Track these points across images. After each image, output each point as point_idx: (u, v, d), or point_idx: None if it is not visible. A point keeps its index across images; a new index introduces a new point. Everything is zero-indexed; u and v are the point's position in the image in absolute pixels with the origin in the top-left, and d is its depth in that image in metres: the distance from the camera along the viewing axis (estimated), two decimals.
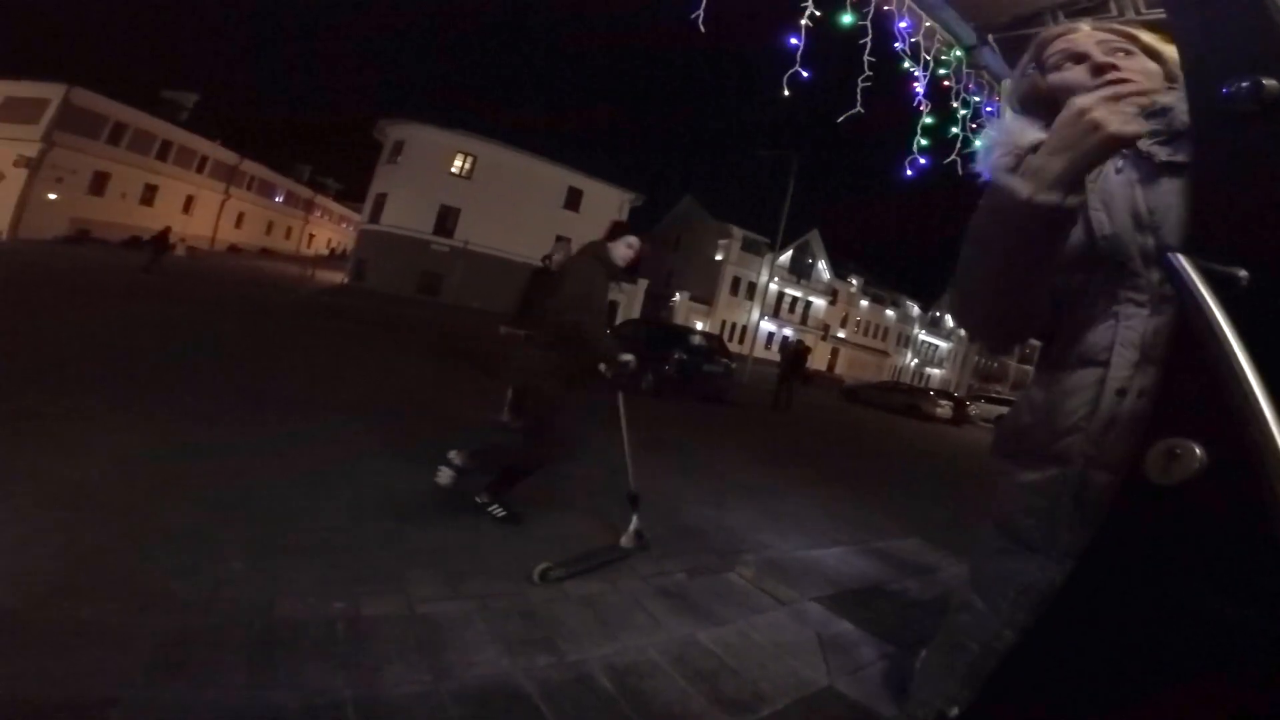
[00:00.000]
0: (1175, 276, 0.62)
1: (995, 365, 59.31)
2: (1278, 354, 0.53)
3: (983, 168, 1.19)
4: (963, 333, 1.15)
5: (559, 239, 5.67)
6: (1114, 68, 0.95)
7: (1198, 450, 0.58)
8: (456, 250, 29.08)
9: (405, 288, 27.85)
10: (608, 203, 33.23)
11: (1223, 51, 0.72)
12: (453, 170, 30.53)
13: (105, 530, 2.09)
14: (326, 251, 53.16)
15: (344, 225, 56.11)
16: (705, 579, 2.69)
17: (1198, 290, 0.59)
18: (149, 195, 32.67)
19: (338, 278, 30.83)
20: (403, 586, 2.11)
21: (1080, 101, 0.74)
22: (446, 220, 30.16)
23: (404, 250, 29.00)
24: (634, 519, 2.90)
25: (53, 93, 26.65)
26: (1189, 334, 0.60)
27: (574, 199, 32.50)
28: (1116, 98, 0.72)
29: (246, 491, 2.67)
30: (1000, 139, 1.11)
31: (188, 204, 35.50)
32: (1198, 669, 0.60)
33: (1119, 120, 0.69)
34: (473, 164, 30.61)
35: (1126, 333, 0.83)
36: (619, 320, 29.67)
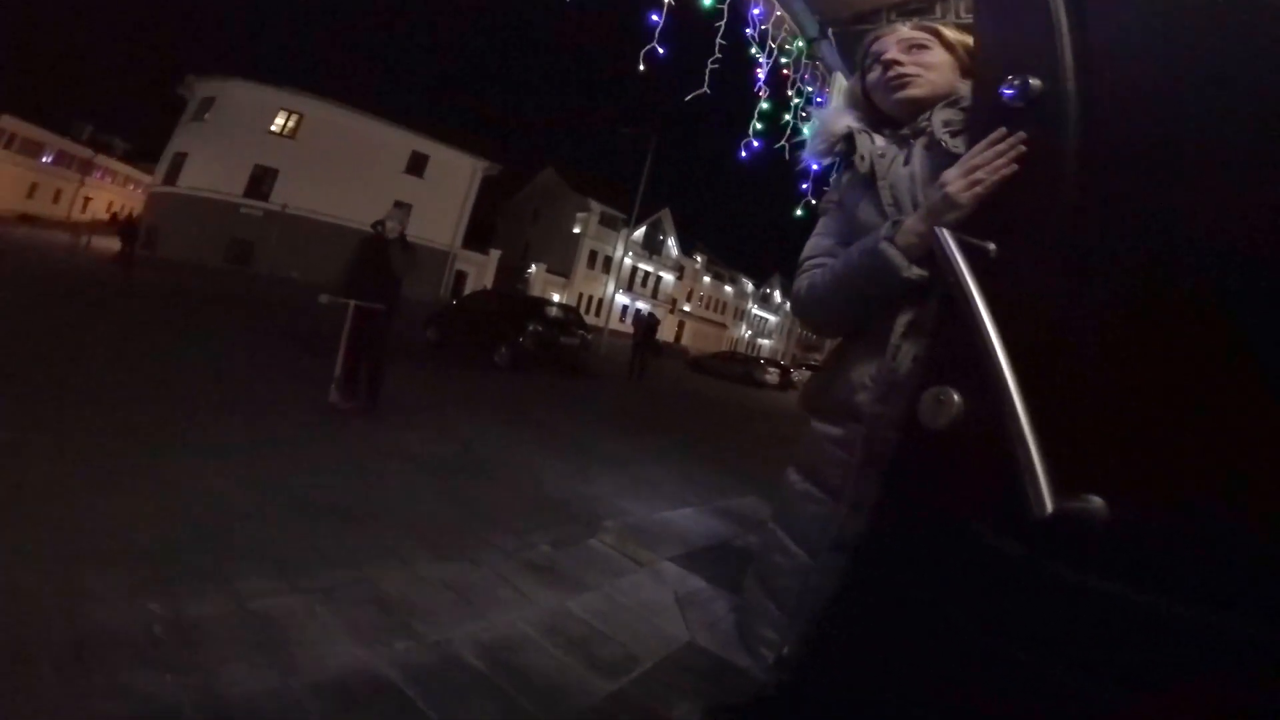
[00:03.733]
0: (939, 247, 0.74)
1: (814, 337, 66.27)
2: (1014, 311, 0.66)
3: (807, 155, 1.33)
4: (792, 314, 1.30)
5: (397, 204, 5.20)
6: (896, 63, 1.11)
7: (956, 396, 0.70)
8: (273, 214, 25.59)
9: (209, 256, 23.96)
10: (458, 170, 31.30)
11: (1004, 52, 0.84)
12: (272, 129, 26.84)
13: None
14: (106, 216, 44.94)
15: (131, 188, 48.19)
16: (570, 549, 2.76)
17: (954, 258, 0.71)
18: None
19: (119, 245, 25.52)
20: (228, 584, 1.88)
21: (946, 177, 0.87)
22: (262, 182, 26.48)
23: (207, 214, 25.01)
24: None
25: None
26: (945, 298, 0.73)
27: (418, 164, 30.11)
28: (971, 185, 0.83)
29: (23, 494, 2.20)
30: (819, 129, 1.25)
31: None
32: (973, 591, 0.71)
33: (967, 196, 0.84)
34: (298, 122, 27.17)
35: (903, 304, 0.96)
36: (467, 290, 28.39)
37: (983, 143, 0.83)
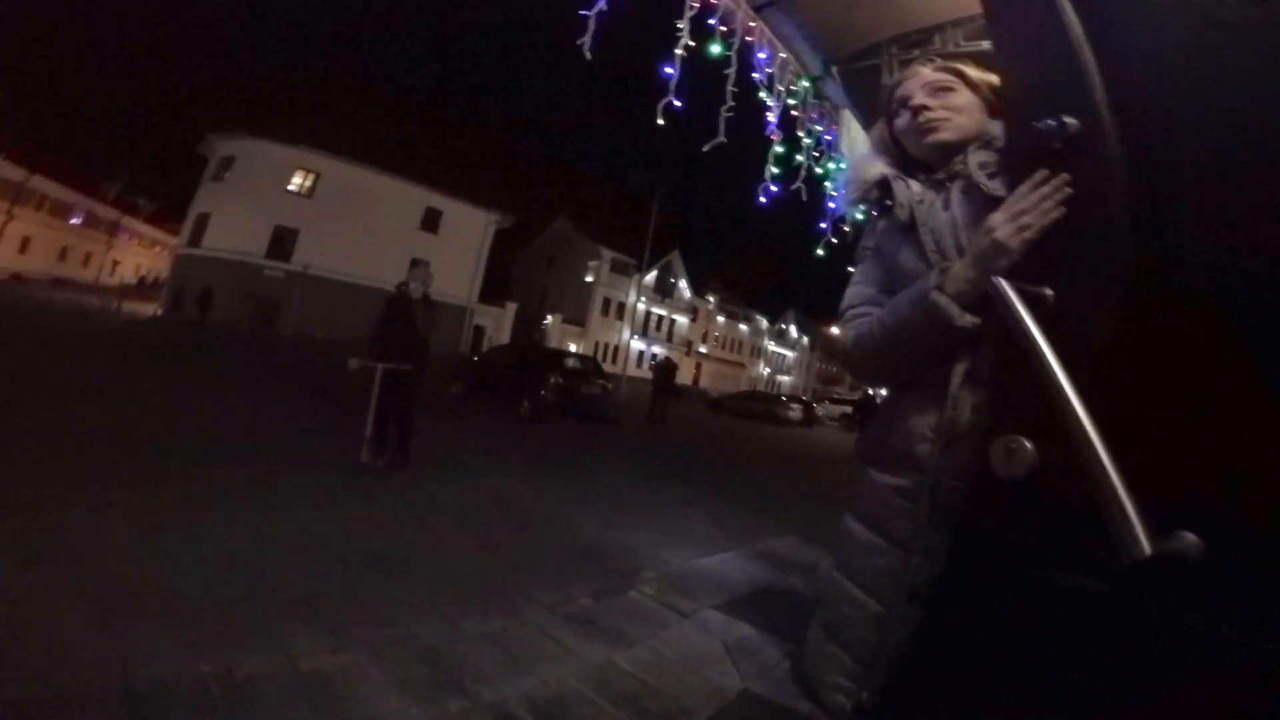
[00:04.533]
0: (997, 296, 0.74)
1: (834, 369, 65.85)
2: (1079, 357, 0.66)
3: (839, 203, 1.37)
4: (843, 366, 1.30)
5: (414, 262, 5.35)
6: (924, 108, 1.13)
7: (1029, 445, 0.70)
8: (294, 275, 26.28)
9: (235, 318, 24.60)
10: (471, 224, 32.07)
11: (1032, 91, 0.84)
12: (291, 188, 27.67)
13: None
14: (134, 280, 45.74)
15: (157, 250, 49.19)
16: (610, 601, 2.73)
17: (1015, 309, 0.71)
18: None
19: (150, 309, 26.45)
20: (278, 642, 1.90)
21: (992, 222, 0.87)
22: (283, 242, 27.20)
23: (231, 275, 25.58)
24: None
25: None
26: (1011, 347, 0.72)
27: (432, 220, 30.91)
28: (1020, 230, 0.83)
29: (77, 548, 2.27)
30: (851, 176, 1.27)
31: None
32: (1054, 636, 0.70)
33: (1017, 241, 0.84)
34: (315, 181, 28.00)
35: (957, 352, 0.96)
36: (485, 344, 28.71)
37: (1025, 185, 0.82)
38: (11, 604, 1.79)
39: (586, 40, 3.04)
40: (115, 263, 46.09)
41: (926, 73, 1.18)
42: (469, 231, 31.94)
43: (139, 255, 49.91)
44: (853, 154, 2.34)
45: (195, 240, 27.32)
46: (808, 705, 1.16)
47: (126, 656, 1.65)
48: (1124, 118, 0.73)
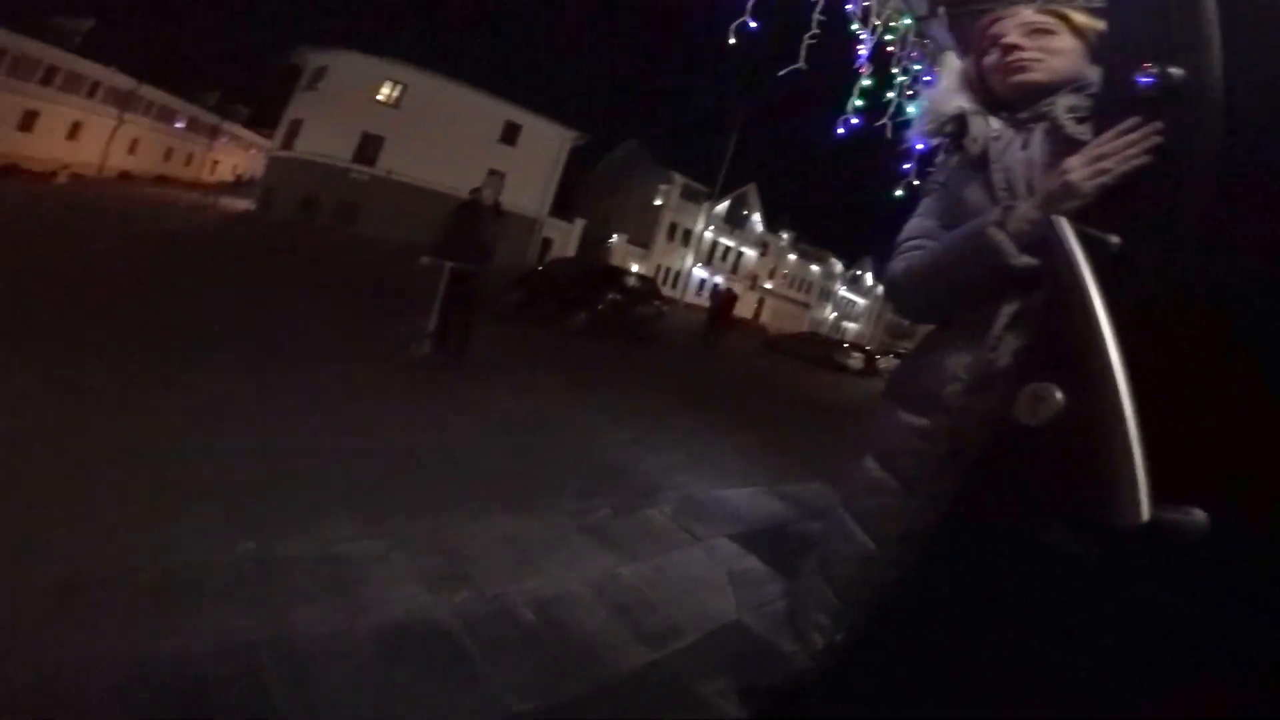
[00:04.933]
0: (1053, 236, 0.68)
1: (906, 324, 63.20)
2: (1132, 309, 0.60)
3: (913, 134, 1.26)
4: (886, 295, 1.26)
5: (491, 173, 5.44)
6: (1016, 47, 1.03)
7: (1058, 394, 0.65)
8: (378, 179, 27.20)
9: (320, 216, 25.90)
10: (548, 139, 31.83)
11: (1138, 38, 0.77)
12: (379, 98, 28.30)
13: None
14: (232, 179, 49.40)
15: (253, 152, 51.99)
16: (627, 517, 2.79)
17: (1072, 249, 0.65)
18: (27, 122, 29.57)
19: (243, 204, 28.32)
20: (313, 526, 2.05)
21: (1068, 164, 0.81)
22: (368, 148, 28.08)
23: (319, 178, 26.81)
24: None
25: None
26: (1057, 291, 0.67)
27: (511, 133, 30.86)
28: (1096, 174, 0.77)
29: (129, 433, 2.47)
30: (928, 108, 1.19)
31: (74, 130, 32.36)
32: (1042, 597, 0.68)
33: (1091, 185, 0.78)
34: (402, 92, 28.48)
35: (1007, 294, 0.90)
36: (550, 257, 29.10)
37: (1112, 130, 0.77)
38: (62, 491, 1.92)
39: None
40: (215, 163, 49.58)
41: (1027, 13, 1.08)
42: (545, 146, 31.73)
43: (237, 156, 53.03)
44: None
45: (288, 144, 28.55)
46: (793, 644, 1.17)
47: (171, 540, 1.77)
48: (1234, 73, 0.67)
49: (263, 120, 44.49)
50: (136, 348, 3.69)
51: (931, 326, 1.15)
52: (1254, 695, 0.56)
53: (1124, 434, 0.53)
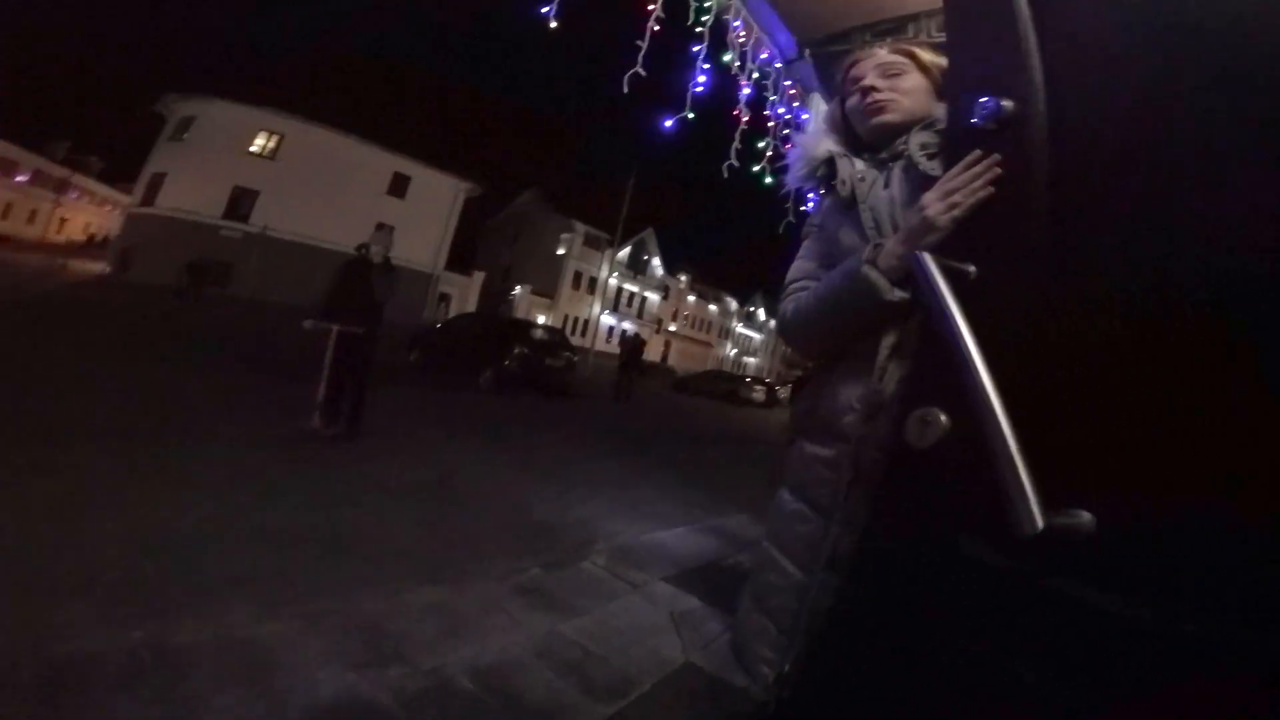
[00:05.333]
0: (920, 271, 0.75)
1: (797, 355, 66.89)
2: (995, 331, 0.68)
3: (790, 179, 1.33)
4: (779, 336, 1.34)
5: (379, 226, 5.21)
6: (873, 89, 1.15)
7: (943, 417, 0.73)
8: (253, 236, 25.30)
9: (180, 278, 23.51)
10: (440, 191, 31.28)
11: (975, 73, 0.86)
12: (253, 149, 26.76)
13: None
14: (84, 238, 43.95)
15: (109, 208, 47.25)
16: (560, 572, 2.74)
17: (935, 281, 0.73)
18: None
19: (96, 267, 25.19)
20: (210, 614, 1.84)
21: (924, 200, 0.90)
22: (241, 203, 26.26)
23: (185, 236, 24.54)
24: None
25: None
26: (927, 320, 0.74)
27: (400, 185, 30.08)
28: (949, 208, 0.85)
29: (13, 524, 2.16)
30: (800, 154, 1.28)
31: None
32: (965, 606, 0.73)
33: (946, 219, 0.86)
34: (278, 143, 27.06)
35: (887, 326, 0.99)
36: (451, 314, 28.19)
37: (958, 166, 0.84)
38: None
39: (552, 8, 2.93)
40: (63, 220, 44.86)
41: (881, 54, 1.20)
42: (438, 198, 31.18)
43: (89, 213, 48.14)
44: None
45: (149, 199, 26.24)
46: (743, 677, 1.19)
47: (51, 633, 1.57)
48: (1056, 100, 0.75)
49: (119, 174, 40.33)
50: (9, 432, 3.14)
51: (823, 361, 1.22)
52: (1179, 690, 0.59)
53: (1006, 449, 0.60)
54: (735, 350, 61.87)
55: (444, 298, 32.03)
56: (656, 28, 3.25)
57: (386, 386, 6.59)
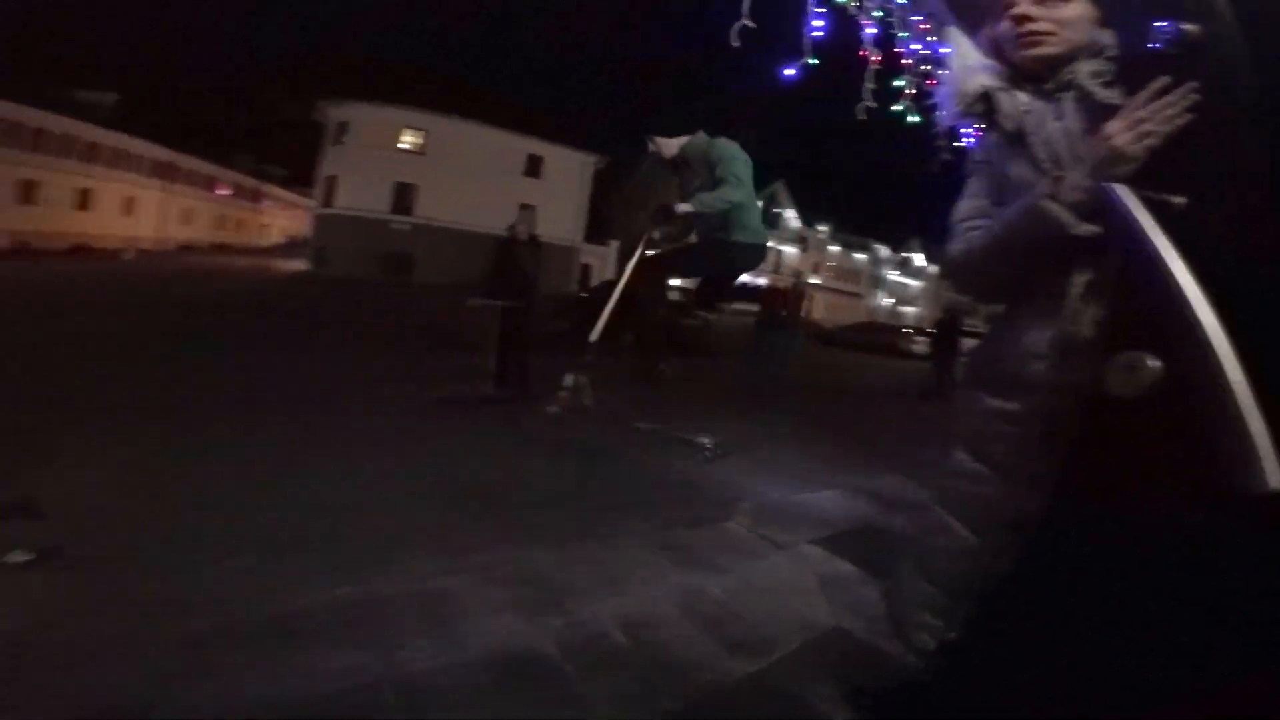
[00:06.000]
0: (1114, 203, 0.67)
1: (965, 302, 60.69)
2: (1214, 267, 0.58)
3: (943, 117, 1.26)
4: (950, 280, 1.26)
5: (523, 207, 5.64)
6: (1026, 18, 1.02)
7: (1153, 362, 0.63)
8: (419, 227, 28.27)
9: (371, 270, 27.08)
10: (571, 167, 32.40)
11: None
12: (404, 146, 29.32)
13: (102, 541, 2.10)
14: (284, 240, 51.28)
15: (297, 211, 53.85)
16: (704, 530, 2.78)
17: (1134, 214, 0.64)
18: (84, 200, 30.99)
19: (297, 265, 29.87)
20: (404, 568, 2.13)
21: (1109, 129, 0.81)
22: (403, 197, 29.11)
23: (364, 232, 28.03)
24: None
25: None
26: (1128, 256, 0.65)
27: (534, 166, 31.56)
28: (1140, 137, 0.78)
29: (217, 491, 2.67)
30: (952, 90, 1.18)
31: (128, 205, 33.89)
32: (1166, 572, 0.65)
33: (1137, 148, 0.78)
34: (424, 139, 29.39)
35: (1076, 264, 0.89)
36: (594, 281, 29.42)
37: (1144, 93, 0.78)
38: (173, 546, 2.12)
39: None
40: (264, 226, 51.21)
41: None
42: (570, 174, 32.31)
43: (283, 218, 54.61)
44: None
45: (328, 201, 29.68)
46: (897, 644, 1.15)
47: (271, 587, 1.90)
48: (1246, 21, 0.67)
49: (299, 179, 45.21)
50: (228, 406, 3.97)
51: (999, 307, 1.13)
52: None
53: (1235, 399, 0.51)
54: (890, 300, 57.41)
55: (585, 268, 33.45)
56: None
57: (541, 353, 7.09)
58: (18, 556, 1.88)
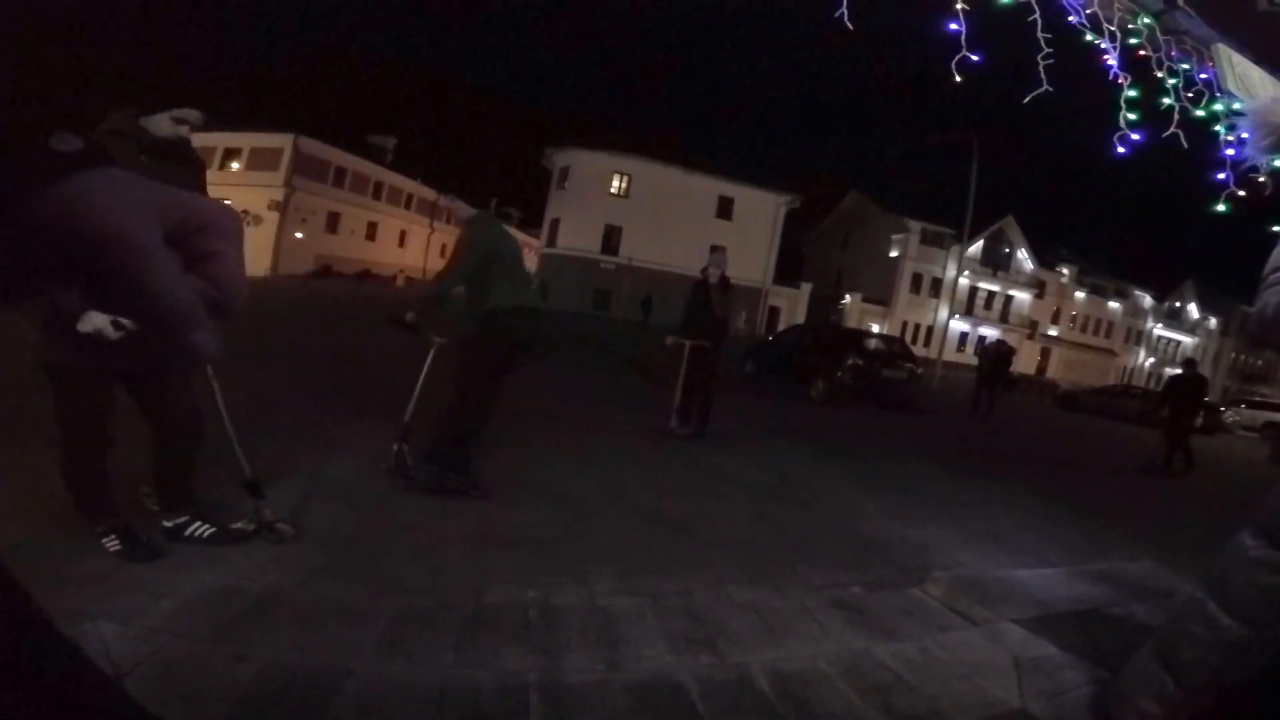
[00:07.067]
0: None
1: (1260, 363, 46.70)
2: None
3: (1251, 153, 1.16)
4: (1257, 337, 1.05)
5: (714, 249, 5.76)
6: None
7: None
8: (622, 267, 30.60)
9: (582, 304, 29.90)
10: (761, 208, 32.58)
11: None
12: (612, 190, 31.95)
13: (354, 522, 2.57)
14: None
15: (528, 250, 62.42)
16: (885, 594, 2.49)
17: None
18: (371, 231, 37.27)
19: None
20: (585, 580, 2.29)
21: None
22: (611, 239, 31.71)
23: (578, 270, 31.07)
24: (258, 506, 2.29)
25: (283, 142, 30.22)
26: None
27: (725, 208, 32.34)
28: None
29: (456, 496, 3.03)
30: (1259, 121, 1.08)
31: (401, 238, 40.29)
32: None
33: None
34: (629, 183, 31.78)
35: None
36: (780, 326, 28.83)
37: None
38: (400, 528, 2.53)
39: (843, 11, 2.82)
40: None
41: None
42: (760, 215, 32.46)
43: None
44: (1250, 92, 1.95)
45: (551, 241, 33.47)
46: None
47: (482, 581, 2.18)
48: None
49: (531, 220, 51.38)
50: None
51: None
52: None
53: None
54: (1152, 359, 46.74)
55: (774, 311, 32.99)
56: (964, 5, 2.85)
57: (725, 395, 7.16)
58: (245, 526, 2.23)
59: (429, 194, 41.92)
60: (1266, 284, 0.99)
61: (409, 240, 41.49)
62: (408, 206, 41.07)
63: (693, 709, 1.60)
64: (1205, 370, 46.54)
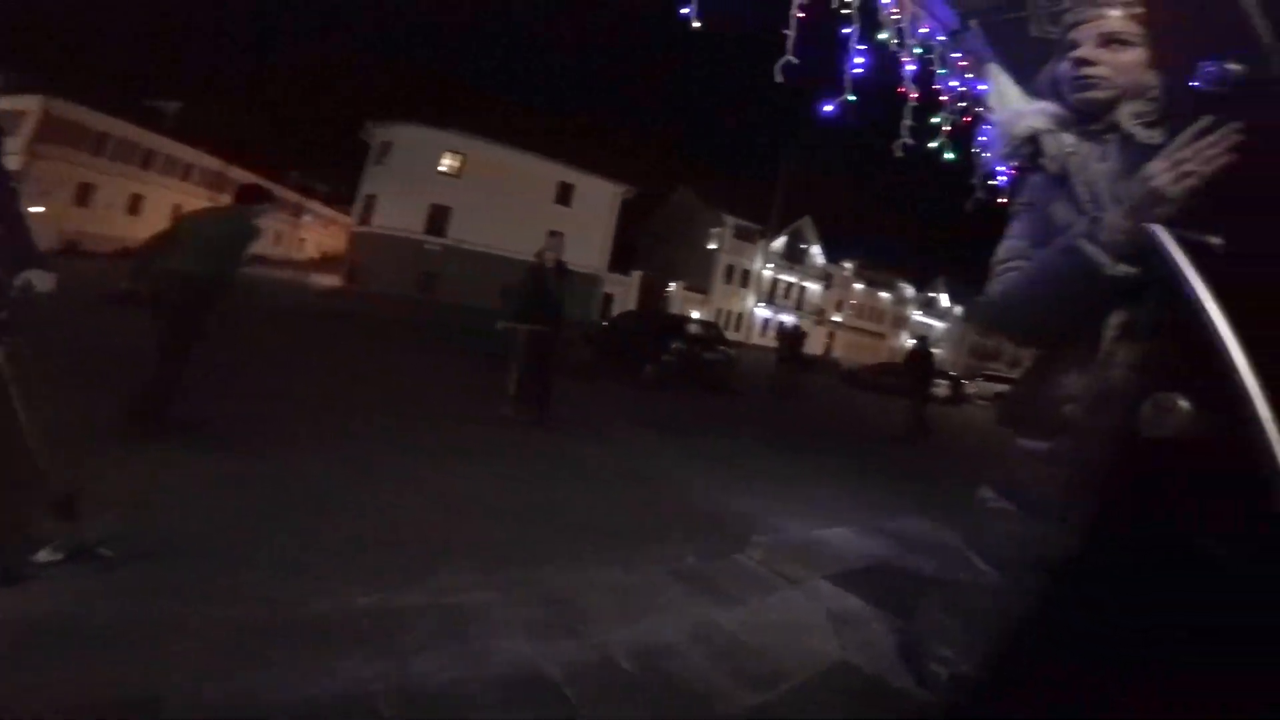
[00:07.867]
0: (1157, 244, 0.68)
1: (992, 344, 59.72)
2: (1250, 311, 0.58)
3: (989, 160, 1.31)
4: (986, 322, 1.26)
5: (551, 233, 5.70)
6: (1085, 62, 1.04)
7: (1183, 404, 0.63)
8: (450, 249, 28.92)
9: (403, 287, 27.69)
10: (600, 196, 33.00)
11: (1195, 37, 0.79)
12: (441, 169, 30.18)
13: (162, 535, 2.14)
14: (318, 256, 52.63)
15: (335, 228, 55.14)
16: (718, 562, 2.76)
17: (1174, 256, 0.65)
18: (135, 205, 32.01)
19: (332, 280, 30.65)
20: (426, 580, 2.16)
21: (1150, 170, 0.82)
22: (438, 219, 29.86)
23: (397, 251, 28.78)
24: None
25: (31, 104, 26.20)
26: (1163, 298, 0.66)
27: (565, 194, 32.24)
28: (1180, 177, 0.79)
29: (257, 501, 2.70)
30: (999, 132, 1.20)
31: (175, 213, 34.78)
32: (1195, 610, 0.63)
33: (1177, 189, 0.78)
34: (462, 162, 30.24)
35: (1111, 307, 0.89)
36: (615, 311, 29.65)
37: (1187, 133, 0.78)
38: (230, 544, 2.21)
39: (692, 9, 2.93)
40: (301, 240, 52.43)
41: (1112, 16, 1.06)
42: (598, 203, 32.87)
43: (319, 233, 55.98)
44: (1001, 108, 2.27)
45: (366, 220, 30.64)
46: (905, 679, 1.14)
47: (307, 591, 1.94)
48: None
49: (340, 197, 45.99)
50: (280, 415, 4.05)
51: (1035, 350, 1.13)
52: None
53: (1270, 441, 0.51)
54: (912, 341, 56.87)
55: (608, 297, 33.78)
56: (801, 14, 3.12)
57: (564, 380, 7.17)
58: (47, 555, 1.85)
59: (215, 163, 36.89)
60: (993, 274, 1.14)
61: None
62: (186, 178, 35.49)
63: (559, 693, 1.63)
64: (950, 352, 57.85)
